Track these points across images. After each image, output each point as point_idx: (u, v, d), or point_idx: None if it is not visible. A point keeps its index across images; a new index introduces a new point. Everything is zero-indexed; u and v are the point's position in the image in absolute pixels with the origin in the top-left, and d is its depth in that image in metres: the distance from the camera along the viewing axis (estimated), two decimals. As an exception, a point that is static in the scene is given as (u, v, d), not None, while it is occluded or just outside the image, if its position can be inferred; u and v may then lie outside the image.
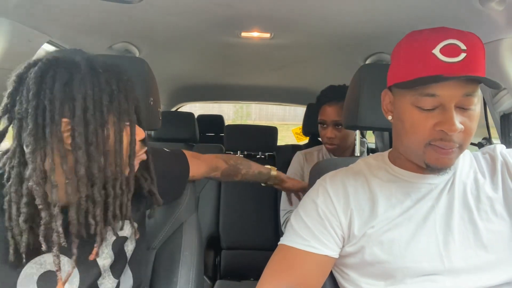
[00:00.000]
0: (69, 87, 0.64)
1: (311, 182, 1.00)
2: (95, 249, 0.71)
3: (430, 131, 0.69)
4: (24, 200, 0.64)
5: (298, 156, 1.76)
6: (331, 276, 0.84)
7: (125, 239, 0.80)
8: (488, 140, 1.32)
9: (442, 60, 0.66)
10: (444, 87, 0.66)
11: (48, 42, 1.30)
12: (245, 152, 2.42)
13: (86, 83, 0.65)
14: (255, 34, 1.47)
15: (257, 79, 2.46)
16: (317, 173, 1.01)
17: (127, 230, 0.80)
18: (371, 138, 3.03)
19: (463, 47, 0.67)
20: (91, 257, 0.72)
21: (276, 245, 0.82)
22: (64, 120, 0.64)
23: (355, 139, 1.62)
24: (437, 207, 0.75)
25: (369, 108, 1.04)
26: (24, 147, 0.64)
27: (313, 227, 0.78)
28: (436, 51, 0.67)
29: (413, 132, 0.71)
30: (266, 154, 2.42)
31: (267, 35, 1.48)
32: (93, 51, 1.44)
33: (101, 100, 0.67)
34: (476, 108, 0.69)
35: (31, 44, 1.19)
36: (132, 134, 0.73)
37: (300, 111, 2.92)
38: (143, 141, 0.79)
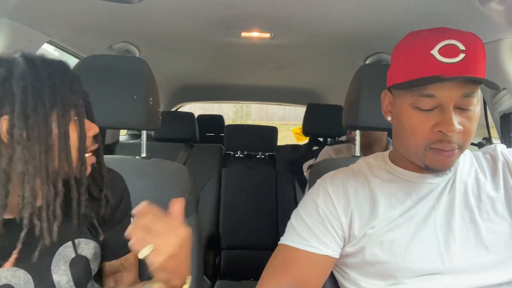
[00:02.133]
0: (8, 83, 0.63)
1: (311, 182, 1.00)
2: (13, 256, 0.66)
3: (429, 133, 0.69)
4: None
5: (326, 150, 1.78)
6: (331, 276, 0.84)
7: (85, 260, 0.75)
8: (488, 140, 1.32)
9: (441, 60, 0.66)
10: (442, 88, 0.66)
11: (48, 42, 1.31)
12: (245, 152, 2.42)
13: (26, 77, 0.63)
14: (255, 34, 1.47)
15: (257, 79, 2.46)
16: (317, 173, 1.01)
17: (86, 250, 0.76)
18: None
19: (462, 47, 0.66)
20: (6, 265, 0.66)
21: (276, 245, 0.82)
22: (4, 118, 0.63)
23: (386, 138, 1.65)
24: (438, 207, 0.75)
25: (369, 108, 1.04)
26: None
27: (314, 227, 0.78)
28: (435, 51, 0.66)
29: (412, 133, 0.71)
30: (266, 154, 2.42)
31: (267, 35, 1.48)
32: (93, 51, 1.45)
33: (43, 93, 0.64)
34: (476, 109, 0.69)
35: (31, 44, 1.19)
36: (81, 128, 0.69)
37: (300, 111, 2.91)
38: (95, 137, 0.75)
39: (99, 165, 0.78)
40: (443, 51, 0.66)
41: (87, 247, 0.76)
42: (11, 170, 0.63)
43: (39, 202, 0.66)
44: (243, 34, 1.47)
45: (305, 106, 2.33)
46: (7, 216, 0.65)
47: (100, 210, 0.78)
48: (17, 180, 0.63)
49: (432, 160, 0.70)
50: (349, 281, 0.80)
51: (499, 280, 0.72)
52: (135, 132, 2.87)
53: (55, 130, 0.65)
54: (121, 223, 0.83)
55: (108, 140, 2.27)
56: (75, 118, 0.69)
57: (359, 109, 1.05)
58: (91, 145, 0.74)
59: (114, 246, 0.82)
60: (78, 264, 0.74)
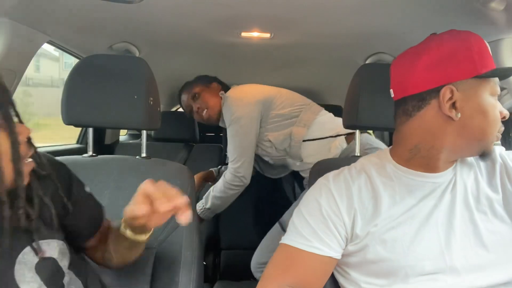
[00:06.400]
0: None
1: (311, 181, 1.00)
2: None
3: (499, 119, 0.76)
4: None
5: None
6: (331, 276, 0.84)
7: (53, 260, 0.70)
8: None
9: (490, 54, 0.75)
10: None
11: (48, 42, 1.31)
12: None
13: None
14: (255, 34, 1.47)
15: (257, 79, 2.45)
16: (317, 172, 1.01)
17: (50, 250, 0.69)
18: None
19: None
20: None
21: (276, 245, 0.82)
22: None
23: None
24: (440, 206, 0.75)
25: (369, 108, 1.04)
26: None
27: (316, 227, 0.77)
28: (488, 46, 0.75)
29: (496, 119, 0.75)
30: (266, 154, 2.41)
31: (267, 35, 1.48)
32: (93, 51, 1.45)
33: None
34: None
35: (31, 44, 1.19)
36: (12, 133, 0.59)
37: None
38: (29, 141, 0.64)
39: (41, 166, 0.71)
40: None
41: (50, 247, 0.70)
42: None
43: None
44: (243, 34, 1.47)
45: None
46: None
47: (57, 202, 0.73)
48: None
49: (493, 144, 0.77)
50: (350, 281, 0.80)
51: (499, 280, 0.72)
52: (135, 132, 2.86)
53: None
54: (82, 200, 0.79)
55: (108, 140, 2.27)
56: (2, 121, 0.59)
57: (359, 109, 1.05)
58: (28, 152, 0.64)
59: (86, 225, 0.80)
60: (45, 267, 0.68)
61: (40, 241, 0.68)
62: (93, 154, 1.14)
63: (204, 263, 2.05)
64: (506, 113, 0.76)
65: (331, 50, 1.68)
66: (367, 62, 1.72)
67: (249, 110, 1.57)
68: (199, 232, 1.04)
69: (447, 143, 0.76)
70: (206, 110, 1.70)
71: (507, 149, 0.84)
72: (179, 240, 0.98)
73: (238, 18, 1.29)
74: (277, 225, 1.74)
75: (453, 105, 0.73)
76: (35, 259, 0.67)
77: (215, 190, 1.66)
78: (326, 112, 1.67)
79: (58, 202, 0.73)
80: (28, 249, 0.66)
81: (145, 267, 0.96)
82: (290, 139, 1.58)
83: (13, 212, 0.62)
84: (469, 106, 0.73)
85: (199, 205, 1.69)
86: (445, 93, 0.74)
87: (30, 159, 0.65)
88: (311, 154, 1.56)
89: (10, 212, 0.61)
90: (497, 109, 0.75)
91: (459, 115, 0.73)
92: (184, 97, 1.77)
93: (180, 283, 0.91)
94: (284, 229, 1.68)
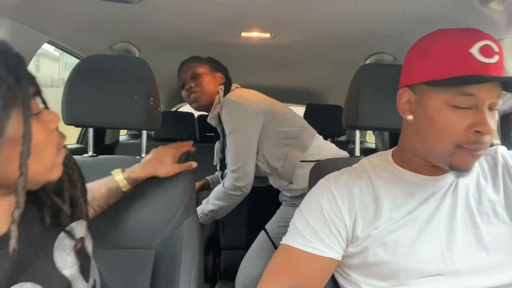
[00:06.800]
0: None
1: (312, 182, 1.00)
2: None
3: (464, 133, 0.67)
4: None
5: None
6: (332, 277, 0.84)
7: (82, 240, 0.70)
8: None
9: (480, 60, 0.66)
10: (481, 87, 0.66)
11: (48, 42, 1.31)
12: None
13: None
14: (255, 34, 1.47)
15: (257, 79, 2.46)
16: (317, 173, 1.01)
17: (81, 230, 0.70)
18: (371, 138, 3.03)
19: (496, 49, 0.67)
20: None
21: (276, 245, 0.82)
22: None
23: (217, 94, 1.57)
24: (441, 209, 0.75)
25: (369, 108, 1.04)
26: None
27: (317, 228, 0.77)
28: (474, 50, 0.66)
29: (446, 132, 0.69)
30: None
31: (267, 35, 1.48)
32: (93, 51, 1.45)
33: None
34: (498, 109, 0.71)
35: (31, 44, 1.19)
36: (51, 121, 0.58)
37: (300, 111, 2.92)
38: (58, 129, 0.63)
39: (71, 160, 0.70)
40: (482, 51, 0.67)
41: (80, 227, 0.70)
42: None
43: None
44: (243, 34, 1.47)
45: (305, 106, 2.33)
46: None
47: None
48: None
49: (460, 159, 0.69)
50: (351, 282, 0.79)
51: (500, 282, 0.72)
52: (135, 132, 2.87)
53: (16, 131, 0.52)
54: None
55: (108, 140, 2.27)
56: (37, 111, 0.56)
57: (359, 109, 1.05)
58: (62, 140, 0.62)
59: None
60: (81, 249, 0.68)
61: (74, 224, 0.68)
62: (93, 154, 1.14)
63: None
64: (487, 129, 0.66)
65: (331, 50, 1.68)
66: (367, 62, 1.72)
67: (254, 119, 1.51)
68: (199, 232, 1.04)
69: (414, 146, 0.77)
70: (196, 93, 1.58)
71: (508, 149, 0.83)
72: (179, 240, 0.98)
73: (238, 18, 1.29)
74: (262, 233, 1.72)
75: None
76: (72, 242, 0.66)
77: (215, 197, 1.61)
78: (319, 136, 1.64)
79: (81, 183, 0.73)
80: (62, 234, 0.65)
81: (145, 267, 0.96)
82: (284, 160, 1.54)
83: (43, 209, 0.62)
84: (419, 111, 0.73)
85: (198, 210, 1.65)
86: (402, 94, 0.76)
87: (63, 148, 0.63)
88: (301, 176, 1.52)
89: (39, 211, 0.62)
90: (454, 122, 0.68)
91: (410, 117, 0.75)
92: (185, 71, 1.64)
93: (181, 283, 0.91)
94: (270, 238, 1.68)
